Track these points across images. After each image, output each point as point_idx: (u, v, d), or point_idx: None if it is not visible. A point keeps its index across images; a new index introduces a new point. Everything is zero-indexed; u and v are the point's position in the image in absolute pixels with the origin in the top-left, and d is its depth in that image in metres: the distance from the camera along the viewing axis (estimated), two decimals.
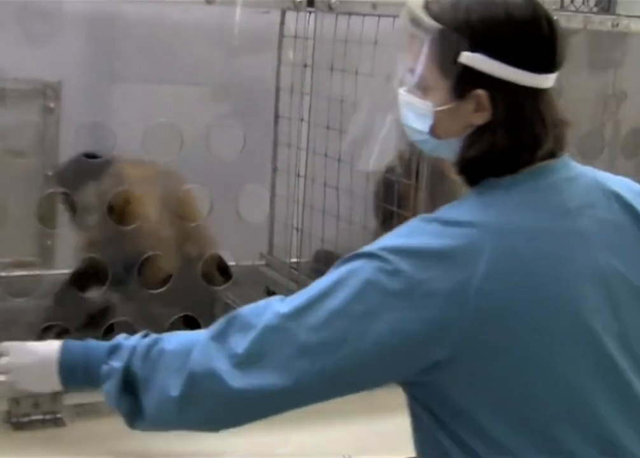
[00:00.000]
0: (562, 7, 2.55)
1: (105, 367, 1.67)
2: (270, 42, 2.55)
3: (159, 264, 2.19)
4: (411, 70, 1.52)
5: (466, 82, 1.47)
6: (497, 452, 1.46)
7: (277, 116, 2.65)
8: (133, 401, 1.64)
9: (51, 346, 1.76)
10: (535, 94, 1.49)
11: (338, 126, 2.49)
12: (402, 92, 1.56)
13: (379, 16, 2.29)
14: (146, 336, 1.68)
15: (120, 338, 1.71)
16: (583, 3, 2.58)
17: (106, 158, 2.19)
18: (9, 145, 2.26)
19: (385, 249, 1.46)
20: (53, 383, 1.76)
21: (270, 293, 2.68)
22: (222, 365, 1.51)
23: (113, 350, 1.68)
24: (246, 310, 1.57)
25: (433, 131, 1.53)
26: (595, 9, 2.86)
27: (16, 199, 2.24)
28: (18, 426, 2.00)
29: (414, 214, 2.36)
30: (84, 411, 2.07)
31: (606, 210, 1.54)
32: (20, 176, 2.44)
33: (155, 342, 1.63)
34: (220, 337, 1.55)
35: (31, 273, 2.48)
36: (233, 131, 2.16)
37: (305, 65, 2.35)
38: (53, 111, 2.52)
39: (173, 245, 2.24)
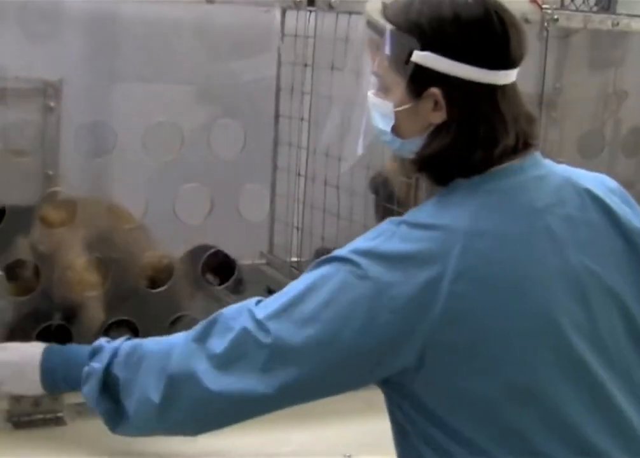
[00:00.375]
0: (562, 6, 2.55)
1: (86, 369, 1.70)
2: (270, 41, 2.54)
3: (91, 312, 2.14)
4: (373, 72, 1.57)
5: (420, 81, 1.49)
6: (473, 454, 1.47)
7: (277, 115, 2.65)
8: (112, 404, 1.68)
9: (35, 349, 1.80)
10: (492, 90, 1.50)
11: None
12: (369, 94, 1.60)
13: None
14: (128, 339, 1.70)
15: (102, 340, 1.73)
16: (583, 2, 2.58)
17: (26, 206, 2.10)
18: (9, 145, 2.26)
19: (355, 252, 1.49)
20: (35, 387, 1.79)
21: (271, 292, 2.68)
22: (200, 366, 1.54)
23: (95, 352, 1.71)
24: (226, 311, 1.59)
25: (395, 131, 1.55)
26: (595, 8, 2.86)
27: (17, 198, 2.24)
28: (19, 425, 2.00)
29: None
30: (85, 410, 2.07)
31: (577, 208, 1.54)
32: (20, 175, 2.45)
33: (137, 345, 1.65)
34: (200, 339, 1.57)
35: None
36: (233, 130, 2.16)
37: (306, 65, 2.34)
38: (53, 110, 2.52)
39: (100, 289, 2.16)
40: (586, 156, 2.52)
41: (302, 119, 2.36)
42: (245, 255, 2.53)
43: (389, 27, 1.50)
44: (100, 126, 2.22)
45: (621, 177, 2.72)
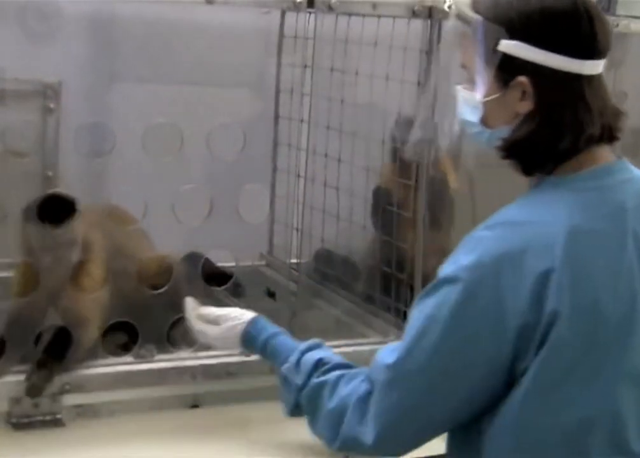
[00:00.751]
0: None
1: (284, 372, 1.84)
2: (270, 42, 2.55)
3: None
4: (462, 65, 1.60)
5: (507, 70, 1.52)
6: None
7: (277, 116, 2.65)
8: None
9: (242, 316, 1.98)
10: (579, 80, 1.52)
11: (338, 126, 2.50)
12: (458, 88, 1.62)
13: (379, 16, 2.29)
14: (319, 362, 1.79)
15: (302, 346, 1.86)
16: None
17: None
18: (9, 145, 2.26)
19: (462, 269, 1.49)
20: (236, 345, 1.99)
21: (271, 294, 2.68)
22: (365, 435, 1.60)
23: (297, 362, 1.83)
24: (372, 365, 1.63)
25: (483, 122, 1.58)
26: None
27: (16, 199, 2.23)
28: (18, 426, 2.00)
29: (414, 215, 2.38)
30: (84, 412, 2.08)
31: None
32: (20, 176, 2.45)
33: (324, 386, 1.73)
34: (364, 401, 1.62)
35: None
36: (233, 131, 2.15)
37: (305, 66, 2.34)
38: (53, 111, 2.52)
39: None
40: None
41: (302, 120, 2.36)
42: (244, 256, 2.53)
43: (478, 18, 1.54)
44: (100, 127, 2.22)
45: None
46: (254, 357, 2.19)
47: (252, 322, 1.96)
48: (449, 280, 1.50)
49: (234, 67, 2.61)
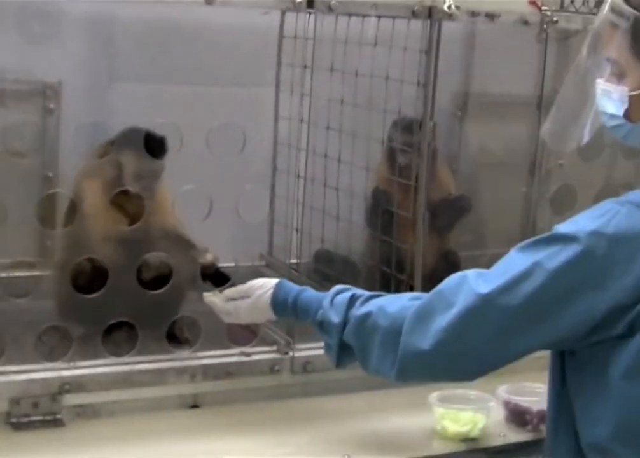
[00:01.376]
0: (562, 7, 2.54)
1: (321, 312, 1.86)
2: (270, 42, 2.54)
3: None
4: (608, 58, 1.61)
5: None
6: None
7: (277, 117, 2.65)
8: (351, 357, 1.84)
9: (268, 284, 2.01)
10: None
11: (338, 126, 2.49)
12: (599, 81, 1.63)
13: (379, 16, 2.29)
14: (353, 296, 1.83)
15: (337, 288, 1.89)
16: (583, 4, 2.57)
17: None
18: (9, 146, 2.26)
19: (581, 231, 1.52)
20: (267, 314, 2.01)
21: None
22: (426, 346, 1.64)
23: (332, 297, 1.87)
24: (445, 286, 1.67)
25: (627, 115, 1.59)
26: (595, 10, 2.84)
27: (16, 199, 2.23)
28: (18, 426, 2.00)
29: (414, 214, 2.38)
30: (84, 412, 2.08)
31: None
32: (20, 176, 2.45)
33: (367, 315, 1.77)
34: (425, 316, 1.66)
35: (31, 273, 2.48)
36: (233, 131, 2.15)
37: (305, 66, 2.34)
38: (53, 111, 2.52)
39: None
40: (586, 157, 2.51)
41: (302, 120, 2.36)
42: (244, 256, 2.52)
43: (631, 12, 1.55)
44: (100, 127, 2.22)
45: (621, 179, 2.74)
46: (254, 357, 2.20)
47: (277, 286, 2.00)
48: (566, 238, 1.53)
49: (234, 67, 2.61)
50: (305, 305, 1.94)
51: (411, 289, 2.37)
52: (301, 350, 2.22)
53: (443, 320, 1.62)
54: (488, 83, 2.94)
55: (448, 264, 2.62)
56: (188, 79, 2.57)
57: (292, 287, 2.00)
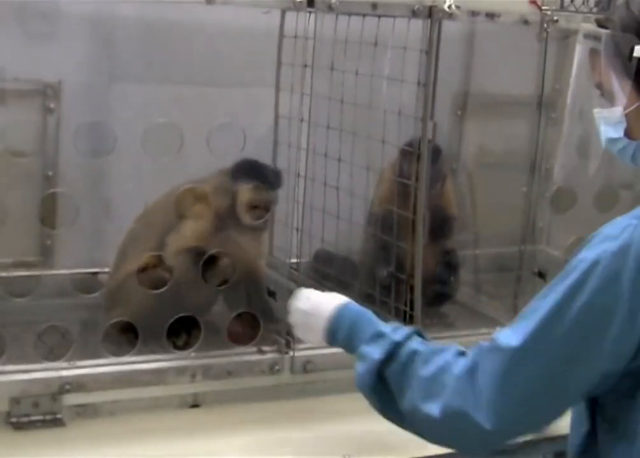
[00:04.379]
0: (562, 7, 2.54)
1: (362, 349, 1.75)
2: (270, 42, 2.54)
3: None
4: (596, 84, 1.61)
5: None
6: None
7: (277, 116, 2.65)
8: (386, 394, 1.71)
9: (330, 304, 1.88)
10: None
11: (338, 126, 2.49)
12: (595, 110, 1.63)
13: (379, 16, 2.29)
14: (407, 337, 1.71)
15: (387, 327, 1.77)
16: (583, 3, 2.56)
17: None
18: (9, 145, 2.26)
19: (605, 253, 1.48)
20: (318, 338, 1.89)
21: (271, 293, 2.68)
22: (473, 408, 1.55)
23: (377, 336, 1.75)
24: (489, 343, 1.59)
25: (628, 134, 1.58)
26: (594, 10, 2.85)
27: (16, 199, 2.24)
28: (18, 426, 2.00)
29: (414, 214, 2.38)
30: (84, 412, 2.08)
31: None
32: (20, 176, 2.45)
33: (413, 357, 1.67)
34: (471, 374, 1.57)
35: (31, 273, 2.48)
36: (233, 131, 2.15)
37: (305, 65, 2.34)
38: (53, 111, 2.52)
39: None
40: (586, 157, 2.51)
41: (302, 120, 2.36)
42: None
43: (605, 32, 1.56)
44: (100, 127, 2.22)
45: (620, 179, 2.74)
46: (254, 357, 2.20)
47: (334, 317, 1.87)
48: (590, 263, 1.49)
49: (234, 67, 2.61)
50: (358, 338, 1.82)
51: (412, 288, 2.37)
52: (301, 350, 2.22)
53: (488, 380, 1.55)
54: (488, 83, 2.94)
55: (448, 264, 2.63)
56: (188, 79, 2.57)
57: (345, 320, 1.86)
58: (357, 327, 1.81)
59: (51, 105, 2.52)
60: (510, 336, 1.54)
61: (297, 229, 2.43)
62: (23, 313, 2.16)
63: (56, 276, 2.48)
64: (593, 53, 1.60)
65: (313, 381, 2.24)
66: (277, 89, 2.60)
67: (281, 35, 2.53)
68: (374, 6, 2.26)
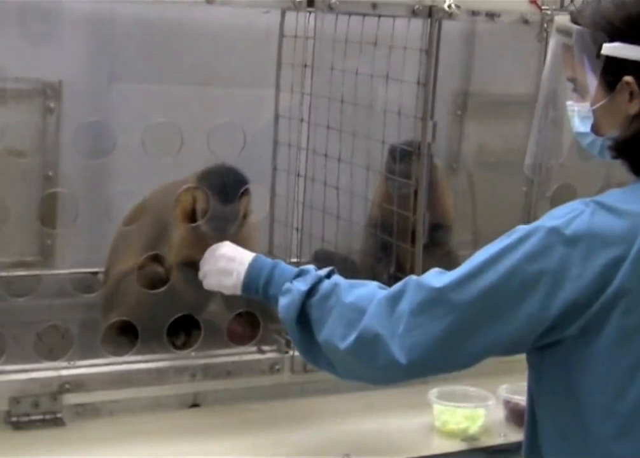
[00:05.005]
0: (562, 7, 2.55)
1: (287, 285, 1.83)
2: (270, 42, 2.54)
3: None
4: (568, 78, 1.63)
5: (613, 72, 1.55)
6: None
7: (277, 116, 2.65)
8: (305, 332, 1.78)
9: (247, 254, 1.97)
10: None
11: (338, 126, 2.49)
12: (568, 103, 1.65)
13: (379, 16, 2.29)
14: (330, 274, 1.82)
15: (310, 267, 1.87)
16: (583, 3, 2.57)
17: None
18: (9, 145, 2.26)
19: (542, 228, 1.53)
20: (234, 286, 1.95)
21: None
22: (387, 332, 1.61)
23: (300, 274, 1.85)
24: (417, 278, 1.64)
25: (595, 130, 1.61)
26: None
27: (16, 199, 2.23)
28: (18, 426, 2.01)
29: (414, 215, 2.38)
30: (84, 411, 2.08)
31: None
32: (20, 176, 2.45)
33: (334, 289, 1.76)
34: (394, 301, 1.63)
35: (31, 273, 2.48)
36: (233, 131, 2.16)
37: (305, 65, 2.34)
38: (53, 110, 2.52)
39: None
40: (585, 157, 2.51)
41: (302, 120, 2.36)
42: None
43: (576, 28, 1.58)
44: (100, 127, 2.22)
45: (620, 178, 2.74)
46: (254, 357, 2.20)
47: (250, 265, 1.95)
48: (526, 233, 1.53)
49: (234, 67, 2.61)
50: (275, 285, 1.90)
51: None
52: None
53: (406, 306, 1.61)
54: (488, 83, 2.94)
55: (448, 264, 2.63)
56: (188, 79, 2.57)
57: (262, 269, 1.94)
58: (278, 270, 1.90)
59: (51, 105, 2.52)
60: (437, 277, 1.60)
61: (297, 229, 2.43)
62: (23, 313, 2.16)
63: (56, 276, 2.48)
64: (566, 47, 1.62)
65: (313, 381, 2.24)
66: (277, 89, 2.60)
67: (281, 35, 2.53)
68: (374, 5, 2.27)
